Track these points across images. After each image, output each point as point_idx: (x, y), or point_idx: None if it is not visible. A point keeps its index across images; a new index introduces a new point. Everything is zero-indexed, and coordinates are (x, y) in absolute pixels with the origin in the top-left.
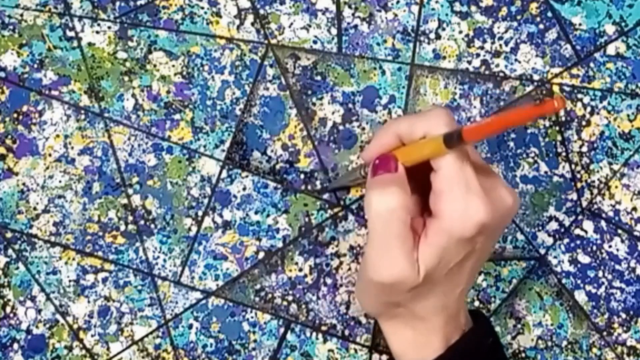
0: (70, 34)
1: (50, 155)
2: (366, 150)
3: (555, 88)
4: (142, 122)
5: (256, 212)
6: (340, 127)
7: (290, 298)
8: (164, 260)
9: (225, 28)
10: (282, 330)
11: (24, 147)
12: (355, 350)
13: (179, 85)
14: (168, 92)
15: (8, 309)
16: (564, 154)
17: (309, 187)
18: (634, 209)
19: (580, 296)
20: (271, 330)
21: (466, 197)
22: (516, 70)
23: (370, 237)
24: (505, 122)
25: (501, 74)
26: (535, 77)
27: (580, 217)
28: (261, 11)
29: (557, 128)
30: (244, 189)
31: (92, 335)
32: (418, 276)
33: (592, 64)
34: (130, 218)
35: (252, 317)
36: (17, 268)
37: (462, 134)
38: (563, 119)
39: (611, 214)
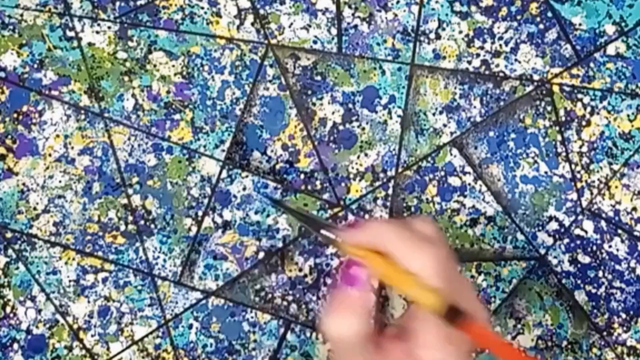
0: (70, 34)
1: (50, 155)
2: (348, 232)
3: (555, 88)
4: (142, 122)
5: (256, 212)
6: (340, 127)
7: (290, 298)
8: (164, 260)
9: (225, 28)
10: (282, 330)
11: (24, 147)
12: None
13: (179, 85)
14: (168, 92)
15: (8, 309)
16: (564, 154)
17: (309, 187)
18: (634, 209)
19: (580, 296)
20: (271, 330)
21: (447, 349)
22: (516, 70)
23: (334, 356)
24: (507, 354)
25: (501, 74)
26: (535, 77)
27: (580, 217)
28: (261, 11)
29: (557, 128)
30: (244, 189)
31: (92, 335)
32: None
33: (592, 64)
34: (130, 218)
35: (252, 317)
36: (17, 268)
37: (465, 327)
38: (563, 119)
39: (611, 214)
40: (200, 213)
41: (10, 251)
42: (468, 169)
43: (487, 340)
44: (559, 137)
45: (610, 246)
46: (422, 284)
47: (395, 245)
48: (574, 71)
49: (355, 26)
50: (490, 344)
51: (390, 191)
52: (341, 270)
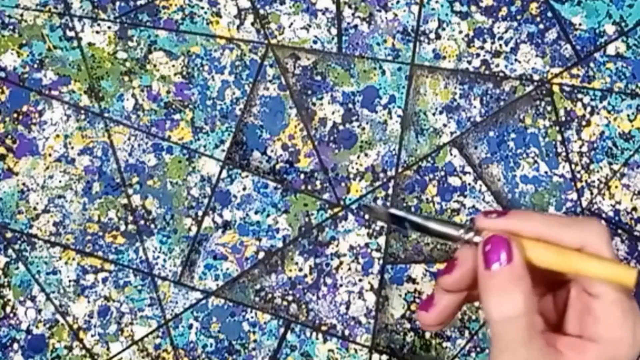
0: (70, 34)
1: (50, 155)
2: (487, 219)
3: (555, 88)
4: (142, 122)
5: (256, 212)
6: (340, 127)
7: (290, 298)
8: (164, 260)
9: (225, 28)
10: (282, 330)
11: (24, 147)
12: (355, 350)
13: (179, 85)
14: (168, 92)
15: (8, 309)
16: (564, 154)
17: (309, 187)
18: (634, 209)
19: None
20: (271, 330)
21: (637, 323)
22: (516, 70)
23: (493, 345)
24: None
25: (501, 74)
26: (535, 77)
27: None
28: (261, 11)
29: (557, 128)
30: (244, 189)
31: (92, 335)
32: None
33: (592, 64)
34: (130, 218)
35: (252, 317)
36: (17, 268)
37: None
38: (563, 119)
39: (611, 214)
40: (200, 213)
41: (10, 251)
42: (468, 169)
43: None
44: (559, 137)
45: None
46: (612, 261)
47: (550, 226)
48: (574, 71)
49: (355, 26)
50: None
51: (390, 191)
52: (482, 250)
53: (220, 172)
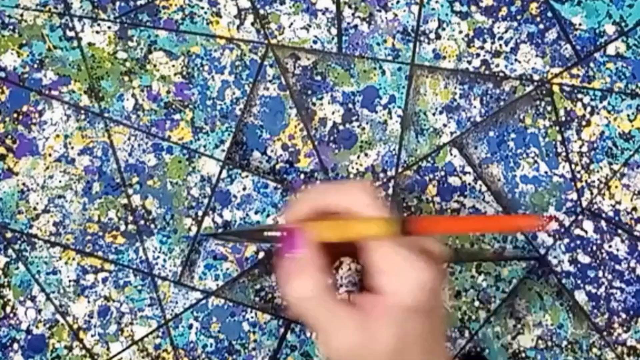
0: (70, 34)
1: (50, 155)
2: (286, 213)
3: (555, 88)
4: (142, 122)
5: (256, 212)
6: (340, 127)
7: None
8: (164, 260)
9: (225, 28)
10: (282, 330)
11: (24, 147)
12: None
13: (179, 85)
14: (168, 92)
15: (8, 309)
16: (564, 154)
17: (309, 187)
18: (634, 209)
19: (580, 296)
20: (271, 330)
21: (412, 266)
22: (516, 70)
23: (306, 323)
24: (463, 226)
25: (501, 74)
26: (535, 77)
27: (580, 217)
28: (261, 11)
29: (557, 128)
30: (244, 189)
31: (92, 335)
32: (377, 342)
33: (592, 64)
34: (130, 218)
35: (252, 317)
36: (17, 268)
37: (408, 227)
38: (563, 119)
39: (611, 214)
40: (200, 213)
41: (10, 251)
42: (468, 169)
43: (441, 222)
44: (559, 137)
45: (610, 246)
46: (366, 218)
47: (320, 199)
48: (574, 71)
49: (355, 26)
50: (446, 224)
51: (390, 191)
52: (282, 243)
53: (220, 172)
